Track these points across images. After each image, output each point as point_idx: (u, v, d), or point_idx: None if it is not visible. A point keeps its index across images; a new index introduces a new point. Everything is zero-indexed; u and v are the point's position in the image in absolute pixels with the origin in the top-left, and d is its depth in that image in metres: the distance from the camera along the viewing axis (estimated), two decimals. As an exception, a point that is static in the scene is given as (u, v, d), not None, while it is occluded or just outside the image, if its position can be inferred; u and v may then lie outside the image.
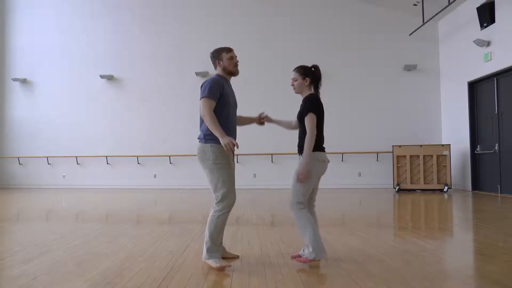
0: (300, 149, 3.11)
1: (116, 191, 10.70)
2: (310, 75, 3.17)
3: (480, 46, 8.89)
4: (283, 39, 11.43)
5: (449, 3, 8.76)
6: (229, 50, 3.16)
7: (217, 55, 3.15)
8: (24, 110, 12.25)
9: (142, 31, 11.91)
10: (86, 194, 9.84)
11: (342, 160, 11.08)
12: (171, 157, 11.56)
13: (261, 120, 3.46)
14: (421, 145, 9.75)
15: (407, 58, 11.09)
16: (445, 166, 9.52)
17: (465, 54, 9.63)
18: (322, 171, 3.10)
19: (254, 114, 3.55)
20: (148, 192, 10.19)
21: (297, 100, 3.26)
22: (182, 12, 11.81)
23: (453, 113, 10.41)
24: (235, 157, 9.58)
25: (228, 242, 3.84)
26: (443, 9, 8.94)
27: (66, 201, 8.17)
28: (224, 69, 3.14)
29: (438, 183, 9.50)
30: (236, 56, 3.18)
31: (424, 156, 9.64)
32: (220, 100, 3.01)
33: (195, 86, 10.97)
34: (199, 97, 3.02)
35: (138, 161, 11.68)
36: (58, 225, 5.00)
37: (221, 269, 2.88)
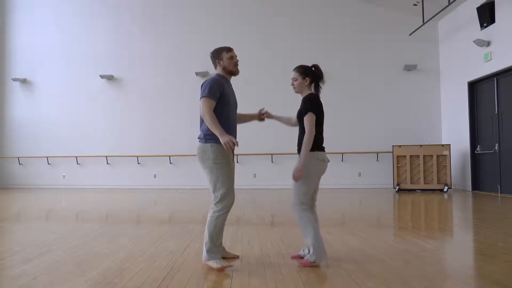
0: (300, 149, 3.11)
1: (116, 191, 10.70)
2: (310, 74, 3.17)
3: (480, 46, 8.89)
4: (283, 39, 11.43)
5: (449, 3, 8.76)
6: (229, 49, 3.16)
7: (217, 54, 3.15)
8: (24, 110, 12.25)
9: (142, 31, 11.91)
10: (86, 194, 9.84)
11: (342, 160, 11.08)
12: (171, 157, 11.56)
13: (261, 116, 3.46)
14: (421, 145, 9.75)
15: (407, 58, 11.09)
16: (445, 166, 9.52)
17: (465, 54, 9.63)
18: (322, 170, 3.10)
19: (255, 113, 3.54)
20: (148, 192, 10.19)
21: (297, 100, 3.25)
22: (182, 12, 11.81)
23: (453, 113, 10.41)
24: (235, 157, 9.59)
25: (228, 242, 3.84)
26: (443, 9, 8.94)
27: (66, 201, 8.17)
28: (224, 68, 3.14)
29: (438, 183, 9.50)
30: (236, 56, 3.18)
31: (424, 156, 9.64)
32: (220, 99, 3.00)
33: (195, 86, 10.98)
34: (199, 97, 3.02)
35: (138, 161, 11.68)
36: (58, 225, 5.00)
37: (222, 270, 2.88)
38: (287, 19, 11.52)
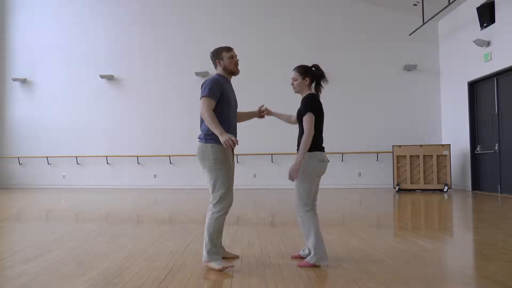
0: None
1: (116, 191, 10.70)
2: (310, 74, 3.17)
3: (480, 46, 8.89)
4: (283, 39, 11.43)
5: (449, 3, 8.76)
6: (229, 49, 3.15)
7: (217, 54, 3.14)
8: (24, 110, 12.25)
9: (142, 31, 11.91)
10: (86, 194, 9.84)
11: (342, 160, 11.08)
12: (171, 157, 11.56)
13: (261, 113, 3.46)
14: (421, 145, 9.75)
15: (407, 58, 11.09)
16: (445, 166, 9.52)
17: (465, 54, 9.63)
18: (322, 170, 3.10)
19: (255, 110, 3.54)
20: (148, 192, 10.19)
21: (297, 100, 3.25)
22: (182, 12, 11.81)
23: (453, 113, 10.41)
24: (235, 157, 9.60)
25: (228, 242, 3.84)
26: (443, 9, 8.94)
27: (66, 201, 8.16)
28: (224, 68, 3.13)
29: (438, 183, 9.50)
30: (236, 55, 3.17)
31: (424, 156, 9.64)
32: (220, 99, 3.00)
33: (195, 86, 10.98)
34: (199, 97, 3.01)
35: (138, 161, 11.68)
36: (58, 225, 5.00)
37: (223, 270, 2.87)
38: (287, 19, 11.52)
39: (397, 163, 9.76)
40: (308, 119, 2.99)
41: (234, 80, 3.23)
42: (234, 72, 3.17)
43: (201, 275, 2.81)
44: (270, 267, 2.98)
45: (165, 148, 11.55)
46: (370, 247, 3.62)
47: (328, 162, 3.15)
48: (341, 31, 11.35)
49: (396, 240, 3.96)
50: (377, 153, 10.94)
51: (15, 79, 12.20)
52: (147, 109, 11.74)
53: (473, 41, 8.92)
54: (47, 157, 11.97)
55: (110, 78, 11.84)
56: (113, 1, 12.06)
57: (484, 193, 8.94)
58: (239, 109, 3.36)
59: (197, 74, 11.37)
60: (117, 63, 11.93)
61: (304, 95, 3.16)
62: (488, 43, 8.71)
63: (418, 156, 9.68)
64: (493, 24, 8.57)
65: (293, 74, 3.21)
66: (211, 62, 3.22)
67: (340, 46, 11.30)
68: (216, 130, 2.86)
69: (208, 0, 11.78)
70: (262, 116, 3.49)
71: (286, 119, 3.48)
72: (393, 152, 9.82)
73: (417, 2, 10.01)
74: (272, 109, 3.57)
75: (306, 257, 3.15)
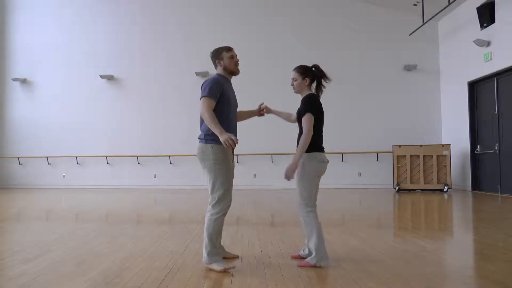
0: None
1: (116, 191, 10.70)
2: (310, 75, 3.17)
3: (480, 46, 8.89)
4: (283, 39, 11.43)
5: (449, 3, 8.76)
6: (229, 49, 3.15)
7: (217, 54, 3.14)
8: (24, 110, 12.25)
9: (142, 31, 11.91)
10: (86, 194, 9.84)
11: (342, 160, 11.08)
12: (171, 157, 11.56)
13: (260, 112, 3.46)
14: (421, 145, 9.75)
15: (407, 58, 11.09)
16: (445, 166, 9.52)
17: (465, 54, 9.63)
18: (322, 171, 3.10)
19: (254, 109, 3.54)
20: (148, 192, 10.19)
21: (297, 100, 3.25)
22: (182, 12, 11.81)
23: (453, 113, 10.41)
24: (235, 157, 9.59)
25: (228, 242, 3.84)
26: (443, 9, 8.94)
27: (66, 201, 8.17)
28: (224, 68, 3.13)
29: (438, 183, 9.50)
30: (236, 55, 3.17)
31: (424, 156, 9.64)
32: (220, 99, 2.99)
33: (195, 86, 10.99)
34: (200, 97, 3.01)
35: (138, 161, 11.68)
36: (58, 225, 5.00)
37: (225, 271, 2.86)
38: (287, 19, 11.52)
39: (397, 163, 9.76)
40: (307, 119, 2.99)
41: (234, 80, 3.23)
42: (234, 72, 3.17)
43: (201, 275, 2.81)
44: (270, 267, 2.98)
45: (165, 148, 11.55)
46: (370, 247, 3.62)
47: (328, 162, 3.15)
48: (341, 31, 11.35)
49: (396, 240, 3.96)
50: (377, 153, 10.94)
51: (15, 79, 12.20)
52: (147, 109, 11.74)
53: (473, 41, 8.92)
54: (47, 157, 11.97)
55: (110, 78, 11.84)
56: (113, 1, 12.06)
57: (484, 193, 8.94)
58: (239, 109, 3.35)
59: (197, 74, 11.37)
60: (117, 63, 11.93)
61: (304, 95, 3.16)
62: (488, 43, 8.71)
63: (418, 156, 9.68)
64: (493, 24, 8.57)
65: (293, 74, 3.20)
66: (211, 62, 3.21)
67: (340, 46, 11.30)
68: (216, 129, 2.85)
69: (208, 0, 11.78)
70: (262, 114, 3.49)
71: (286, 117, 3.49)
72: (393, 152, 9.82)
73: (417, 2, 10.02)
74: (272, 107, 3.57)
75: (306, 257, 3.15)
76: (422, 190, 9.65)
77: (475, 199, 7.78)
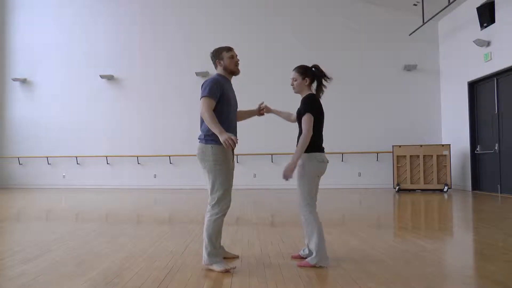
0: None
1: (116, 191, 10.70)
2: (310, 75, 3.17)
3: (480, 46, 8.89)
4: (283, 39, 11.43)
5: (449, 3, 8.76)
6: (229, 49, 3.15)
7: (218, 54, 3.13)
8: (24, 110, 12.25)
9: (142, 31, 11.91)
10: (86, 194, 9.84)
11: (342, 160, 11.08)
12: (171, 157, 11.56)
13: (260, 111, 3.46)
14: (421, 145, 9.75)
15: (407, 58, 11.09)
16: (445, 166, 9.52)
17: (465, 54, 9.63)
18: (322, 171, 3.10)
19: (254, 109, 3.54)
20: (148, 192, 10.19)
21: (298, 100, 3.25)
22: (182, 12, 11.81)
23: (453, 113, 10.41)
24: (235, 157, 9.58)
25: (228, 242, 3.84)
26: (443, 9, 8.94)
27: (66, 201, 8.17)
28: (225, 68, 3.12)
29: (438, 183, 9.50)
30: (236, 55, 3.16)
31: (424, 156, 9.64)
32: (220, 99, 2.99)
33: (195, 86, 10.98)
34: (200, 97, 3.01)
35: (138, 161, 11.68)
36: (58, 225, 5.00)
37: (226, 272, 2.85)
38: (287, 19, 11.52)
39: (397, 163, 9.76)
40: (306, 119, 2.99)
41: (234, 80, 3.23)
42: (235, 72, 3.16)
43: (201, 275, 2.81)
44: (270, 267, 2.98)
45: (165, 148, 11.55)
46: (370, 247, 3.62)
47: (328, 162, 3.15)
48: (341, 31, 11.35)
49: (396, 240, 3.96)
50: (377, 153, 10.94)
51: (15, 79, 12.20)
52: (147, 109, 11.74)
53: (473, 41, 8.92)
54: (47, 157, 11.97)
55: (110, 78, 11.84)
56: (113, 1, 12.06)
57: (484, 193, 8.94)
58: (238, 109, 3.35)
59: (197, 74, 11.37)
60: (117, 63, 11.93)
61: (304, 96, 3.16)
62: (488, 43, 8.71)
63: (418, 156, 9.68)
64: (493, 24, 8.57)
65: (293, 74, 3.20)
66: (211, 62, 3.21)
67: (340, 46, 11.30)
68: (216, 129, 2.85)
69: (208, 0, 11.78)
70: (262, 114, 3.49)
71: (286, 116, 3.48)
72: (393, 152, 9.82)
73: (417, 2, 10.01)
74: (272, 107, 3.57)
75: (306, 257, 3.15)
76: (422, 190, 9.65)
77: (475, 199, 7.78)
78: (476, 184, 9.50)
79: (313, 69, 3.19)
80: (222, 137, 2.80)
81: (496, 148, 8.72)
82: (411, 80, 11.12)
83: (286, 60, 10.95)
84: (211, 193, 2.97)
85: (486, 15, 8.64)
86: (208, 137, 2.98)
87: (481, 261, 3.10)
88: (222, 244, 3.22)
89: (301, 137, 3.00)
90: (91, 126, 11.87)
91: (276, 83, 10.95)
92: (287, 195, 8.99)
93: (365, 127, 11.11)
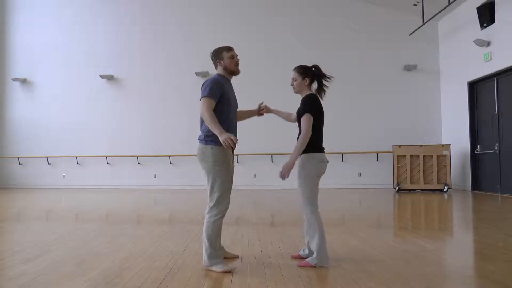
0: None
1: (116, 191, 10.70)
2: (310, 74, 3.17)
3: (480, 46, 8.89)
4: (283, 39, 11.43)
5: (449, 3, 8.76)
6: (229, 49, 3.14)
7: (218, 54, 3.12)
8: (24, 110, 12.25)
9: (142, 31, 11.91)
10: (86, 194, 9.84)
11: (342, 160, 11.08)
12: (171, 157, 11.56)
13: (260, 111, 3.46)
14: (421, 145, 9.75)
15: (407, 58, 11.09)
16: (445, 166, 9.52)
17: (465, 54, 9.63)
18: (322, 171, 3.09)
19: (254, 108, 3.53)
20: (148, 192, 10.19)
21: (298, 100, 3.25)
22: (182, 12, 11.81)
23: (453, 113, 10.41)
24: (235, 157, 9.57)
25: (228, 242, 3.84)
26: (443, 9, 8.94)
27: (66, 201, 8.17)
28: (225, 68, 3.12)
29: (438, 183, 9.50)
30: (237, 55, 3.16)
31: (424, 156, 9.64)
32: (220, 99, 2.98)
33: (195, 86, 10.98)
34: (200, 97, 3.00)
35: (138, 161, 11.68)
36: (58, 225, 5.00)
37: (226, 273, 2.85)
38: (287, 19, 11.52)
39: (397, 163, 9.76)
40: (306, 119, 2.99)
41: (234, 80, 3.23)
42: (235, 72, 3.16)
43: (201, 275, 2.81)
44: (270, 267, 2.98)
45: (165, 148, 11.55)
46: (370, 247, 3.62)
47: (328, 162, 3.15)
48: (341, 31, 11.35)
49: (396, 240, 3.96)
50: (377, 153, 10.94)
51: (15, 79, 12.20)
52: (147, 109, 11.74)
53: (473, 41, 8.92)
54: (47, 157, 11.97)
55: (110, 78, 11.84)
56: (113, 1, 12.07)
57: (484, 193, 8.94)
58: (238, 109, 3.35)
59: (197, 74, 11.38)
60: (117, 63, 11.93)
61: (303, 95, 3.16)
62: (488, 43, 8.71)
63: (418, 156, 9.68)
64: (493, 24, 8.57)
65: (292, 74, 3.20)
66: (211, 62, 3.21)
67: (340, 46, 11.30)
68: (216, 130, 2.84)
69: (208, 0, 11.78)
70: (262, 114, 3.49)
71: (286, 116, 3.48)
72: (393, 152, 9.82)
73: (417, 2, 10.01)
74: (272, 107, 3.57)
75: (306, 257, 3.15)
76: (422, 190, 9.65)
77: (475, 199, 7.78)
78: (476, 184, 9.50)
79: (313, 69, 3.19)
80: (222, 137, 2.80)
81: (496, 148, 8.72)
82: (411, 80, 11.12)
83: (286, 60, 10.95)
84: (210, 194, 2.97)
85: (486, 15, 8.64)
86: (208, 138, 2.97)
87: (481, 261, 3.10)
88: (222, 244, 3.22)
89: (299, 137, 3.00)
90: (91, 126, 11.87)
91: (276, 83, 10.95)
92: (287, 195, 8.99)
93: (365, 127, 11.11)
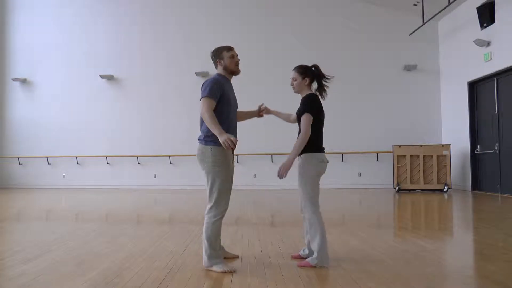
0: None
1: (116, 191, 10.70)
2: (310, 74, 3.16)
3: (480, 46, 8.89)
4: (283, 39, 11.44)
5: (449, 3, 8.76)
6: (229, 48, 3.13)
7: (218, 54, 3.12)
8: (24, 110, 12.25)
9: (142, 31, 11.92)
10: (86, 194, 9.84)
11: (342, 160, 11.08)
12: (171, 157, 11.56)
13: (260, 113, 3.45)
14: (421, 145, 9.75)
15: (407, 58, 11.09)
16: (445, 166, 9.52)
17: (465, 54, 9.63)
18: (322, 171, 3.09)
19: (254, 110, 3.53)
20: (148, 192, 10.19)
21: (298, 100, 3.25)
22: (182, 12, 11.82)
23: (453, 113, 10.41)
24: (235, 157, 9.57)
25: (228, 242, 3.84)
26: (443, 9, 8.94)
27: (66, 201, 8.17)
28: (225, 68, 3.11)
29: (438, 183, 9.50)
30: (237, 55, 3.15)
31: (424, 156, 9.64)
32: (220, 99, 2.98)
33: (195, 86, 10.98)
34: (200, 97, 3.00)
35: (138, 161, 11.68)
36: (58, 225, 5.00)
37: (227, 273, 2.85)
38: (287, 19, 11.52)
39: (397, 163, 9.76)
40: (305, 119, 2.99)
41: (234, 80, 3.22)
42: (235, 71, 3.15)
43: (201, 275, 2.81)
44: (270, 267, 2.98)
45: (165, 148, 11.55)
46: (370, 247, 3.62)
47: (328, 162, 3.15)
48: (341, 31, 11.35)
49: (396, 240, 3.96)
50: (377, 153, 10.94)
51: (15, 79, 12.20)
52: (147, 109, 11.74)
53: (473, 41, 8.92)
54: (47, 157, 11.97)
55: (110, 78, 11.84)
56: (113, 1, 12.06)
57: (484, 193, 8.94)
58: (238, 109, 3.34)
59: (197, 74, 11.38)
60: (117, 63, 11.93)
61: (303, 95, 3.16)
62: (488, 43, 8.71)
63: (418, 156, 9.68)
64: (493, 24, 8.57)
65: (292, 74, 3.20)
66: (211, 62, 3.20)
67: (340, 46, 11.30)
68: (216, 130, 2.83)
69: (208, 0, 11.78)
70: (261, 115, 3.48)
71: (285, 117, 3.48)
72: (393, 152, 9.82)
73: (417, 2, 10.01)
74: (271, 108, 3.57)
75: (306, 257, 3.15)
76: (422, 190, 9.65)
77: (475, 199, 7.78)
78: (476, 184, 9.50)
79: (313, 68, 3.19)
80: (222, 138, 2.79)
81: (496, 148, 8.72)
82: (411, 80, 11.12)
83: (286, 60, 10.94)
84: (209, 194, 2.96)
85: (486, 15, 8.64)
86: (208, 138, 2.96)
87: (481, 261, 3.10)
88: (222, 244, 3.22)
89: (298, 137, 3.00)
90: (91, 126, 11.87)
91: (276, 83, 10.95)
92: (287, 195, 8.99)
93: (365, 127, 11.11)
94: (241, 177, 10.35)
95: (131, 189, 11.33)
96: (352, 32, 11.31)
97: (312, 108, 3.02)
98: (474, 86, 9.58)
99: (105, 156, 11.73)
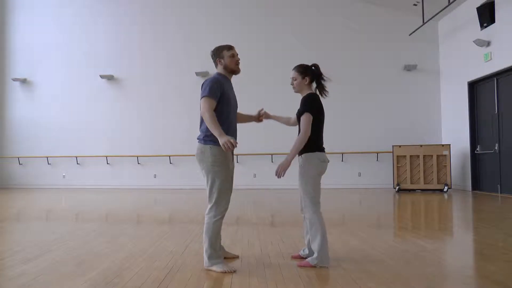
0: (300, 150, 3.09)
1: (116, 191, 10.70)
2: (310, 74, 3.16)
3: (480, 46, 8.89)
4: (283, 39, 11.44)
5: (449, 3, 8.76)
6: (230, 47, 3.12)
7: (218, 53, 3.10)
8: (24, 110, 12.25)
9: (142, 31, 11.92)
10: (86, 194, 9.84)
11: (342, 160, 11.08)
12: (171, 157, 11.56)
13: (259, 118, 3.45)
14: (421, 145, 9.75)
15: (407, 58, 11.09)
16: (445, 166, 9.52)
17: (465, 54, 9.63)
18: (323, 170, 3.09)
19: (254, 114, 3.52)
20: (148, 192, 10.19)
21: (298, 100, 3.24)
22: (182, 12, 11.82)
23: (453, 113, 10.41)
24: (235, 157, 9.58)
25: (228, 242, 3.84)
26: (443, 9, 8.94)
27: (66, 201, 8.17)
28: (225, 67, 3.10)
29: (438, 183, 9.50)
30: (237, 54, 3.14)
31: (424, 156, 9.64)
32: (220, 99, 2.97)
33: (195, 86, 10.98)
34: (200, 97, 2.99)
35: (138, 161, 11.68)
36: (58, 225, 5.00)
37: (227, 273, 2.84)
38: (287, 19, 11.52)
39: (397, 163, 9.76)
40: (305, 119, 2.98)
41: (234, 80, 3.21)
42: (235, 71, 3.14)
43: (201, 275, 2.81)
44: (270, 267, 2.98)
45: (165, 148, 11.55)
46: (370, 247, 3.62)
47: (328, 162, 3.15)
48: (341, 31, 11.35)
49: (396, 240, 3.96)
50: (377, 153, 10.94)
51: (15, 79, 12.20)
52: (147, 109, 11.74)
53: (473, 41, 8.92)
54: (47, 157, 11.97)
55: (110, 78, 11.84)
56: (113, 1, 12.07)
57: (484, 193, 8.94)
58: (238, 110, 3.33)
59: (197, 74, 11.38)
60: (117, 63, 11.93)
61: (303, 95, 3.16)
62: (488, 43, 8.71)
63: (418, 156, 9.68)
64: (493, 24, 8.57)
65: (292, 73, 3.20)
66: (211, 62, 3.19)
67: (340, 46, 11.30)
68: (216, 131, 2.82)
69: (208, 0, 11.78)
70: (261, 120, 3.47)
71: (285, 121, 3.48)
72: (393, 152, 9.82)
73: (417, 2, 10.02)
74: (271, 112, 3.56)
75: (306, 257, 3.15)
76: (422, 190, 9.65)
77: (475, 199, 7.78)
78: (476, 184, 9.50)
79: (313, 68, 3.19)
80: (222, 139, 2.77)
81: (496, 148, 8.72)
82: (411, 80, 11.12)
83: (286, 60, 10.93)
84: (209, 194, 2.95)
85: (486, 15, 8.64)
86: (207, 138, 2.95)
87: (481, 261, 3.10)
88: (222, 244, 3.22)
89: (298, 136, 3.00)
90: (91, 126, 11.87)
91: (276, 83, 10.95)
92: (287, 195, 8.99)
93: (365, 127, 11.11)
94: (241, 177, 10.35)
95: (131, 189, 11.33)
96: (352, 32, 11.31)
97: (312, 107, 3.02)
98: (474, 86, 9.58)
99: (105, 156, 11.73)
